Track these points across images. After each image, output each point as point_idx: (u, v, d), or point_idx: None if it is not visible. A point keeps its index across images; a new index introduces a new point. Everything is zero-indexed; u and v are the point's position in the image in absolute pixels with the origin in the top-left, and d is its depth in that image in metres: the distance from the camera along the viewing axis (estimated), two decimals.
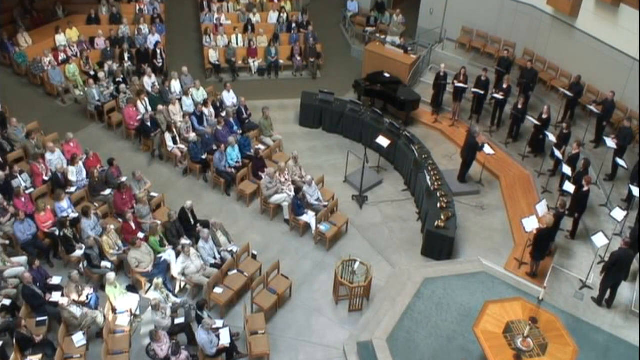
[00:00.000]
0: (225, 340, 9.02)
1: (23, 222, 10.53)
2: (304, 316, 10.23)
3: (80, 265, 10.47)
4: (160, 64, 16.21)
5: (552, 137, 12.70)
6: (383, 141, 12.98)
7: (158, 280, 9.94)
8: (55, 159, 12.14)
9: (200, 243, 10.55)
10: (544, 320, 8.63)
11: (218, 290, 10.04)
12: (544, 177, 13.11)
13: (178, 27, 18.79)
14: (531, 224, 10.59)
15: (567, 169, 11.69)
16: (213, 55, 16.62)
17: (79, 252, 10.52)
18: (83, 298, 9.71)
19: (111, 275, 9.85)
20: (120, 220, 11.20)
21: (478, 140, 12.65)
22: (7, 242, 10.64)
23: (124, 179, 11.92)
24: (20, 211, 10.60)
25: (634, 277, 10.76)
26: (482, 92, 14.30)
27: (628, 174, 12.38)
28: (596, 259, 10.87)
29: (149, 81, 14.74)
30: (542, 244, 10.49)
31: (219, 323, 9.35)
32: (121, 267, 10.66)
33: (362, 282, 10.08)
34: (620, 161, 12.09)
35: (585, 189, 11.06)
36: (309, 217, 11.65)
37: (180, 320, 9.59)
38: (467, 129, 13.73)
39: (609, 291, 10.23)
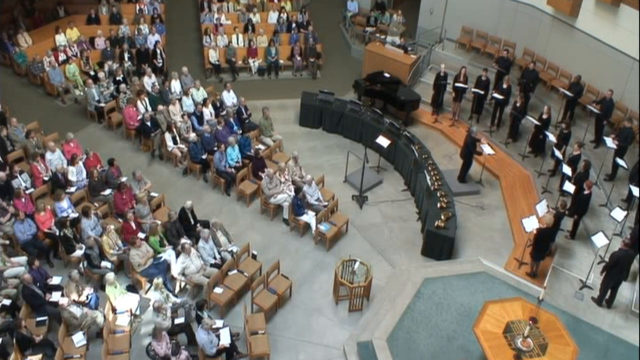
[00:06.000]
0: (225, 340, 9.02)
1: (23, 222, 10.53)
2: (304, 316, 10.23)
3: (80, 265, 10.47)
4: (160, 64, 16.21)
5: (552, 137, 12.70)
6: (383, 141, 12.98)
7: (158, 280, 9.94)
8: (55, 158, 12.14)
9: (200, 243, 10.56)
10: (544, 320, 8.63)
11: (218, 290, 10.04)
12: (544, 177, 13.11)
13: (178, 27, 18.79)
14: (531, 224, 10.59)
15: (567, 169, 11.68)
16: (213, 55, 16.63)
17: (79, 252, 10.52)
18: (83, 298, 9.72)
19: (110, 275, 9.85)
20: (120, 220, 11.20)
21: (476, 137, 12.63)
22: (7, 242, 10.65)
23: (124, 179, 11.93)
24: (20, 211, 10.60)
25: (634, 277, 10.76)
26: (482, 92, 14.31)
27: (628, 174, 12.37)
28: (596, 259, 10.87)
29: (149, 81, 14.75)
30: (542, 244, 10.49)
31: (219, 323, 9.35)
32: (121, 267, 10.67)
33: (362, 282, 10.08)
34: (620, 161, 12.09)
35: (587, 192, 11.05)
36: (309, 217, 11.65)
37: (180, 320, 9.59)
38: (467, 129, 13.72)
39: (609, 291, 10.23)
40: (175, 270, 10.31)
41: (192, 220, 11.25)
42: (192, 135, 13.34)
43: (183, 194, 12.42)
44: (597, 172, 12.85)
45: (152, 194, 12.05)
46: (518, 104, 13.58)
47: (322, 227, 11.48)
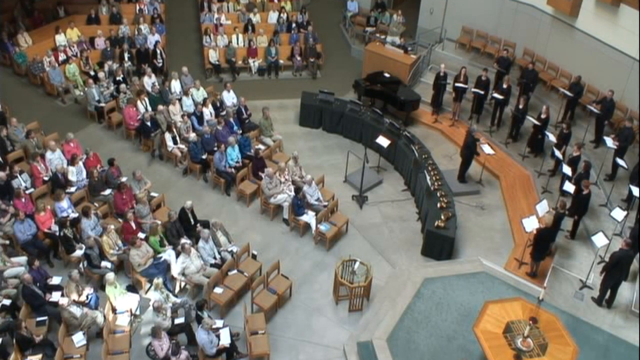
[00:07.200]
0: (225, 340, 9.02)
1: (23, 222, 10.53)
2: (304, 316, 10.23)
3: (80, 265, 10.47)
4: (160, 64, 16.21)
5: (552, 137, 12.70)
6: (383, 141, 12.98)
7: (158, 280, 9.94)
8: (55, 158, 12.15)
9: (200, 243, 10.56)
10: (544, 320, 8.63)
11: (218, 290, 10.04)
12: (544, 177, 13.11)
13: (178, 27, 18.80)
14: (531, 224, 10.59)
15: (567, 169, 11.68)
16: (213, 55, 16.63)
17: (79, 252, 10.52)
18: (83, 298, 9.72)
19: (110, 276, 9.85)
20: (120, 220, 11.21)
21: (476, 136, 12.63)
22: (7, 242, 10.65)
23: (124, 179, 11.93)
24: (20, 211, 10.60)
25: (634, 277, 10.76)
26: (482, 92, 14.30)
27: (628, 174, 12.38)
28: (596, 259, 10.87)
29: (149, 81, 14.75)
30: (542, 244, 10.49)
31: (219, 323, 9.35)
32: (121, 267, 10.67)
33: (362, 282, 10.08)
34: (620, 161, 12.09)
35: (585, 192, 11.06)
36: (309, 217, 11.65)
37: (180, 320, 9.60)
38: (467, 129, 13.73)
39: (609, 291, 10.24)
40: (175, 270, 10.31)
41: (192, 220, 11.25)
42: (192, 135, 13.34)
43: (183, 194, 12.42)
44: (597, 172, 12.85)
45: (152, 194, 12.05)
46: (521, 106, 13.55)
47: (322, 227, 11.48)
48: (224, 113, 14.26)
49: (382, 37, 17.60)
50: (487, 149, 12.83)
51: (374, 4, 19.39)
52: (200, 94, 14.67)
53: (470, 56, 16.99)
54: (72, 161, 12.05)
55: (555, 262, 11.09)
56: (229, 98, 14.78)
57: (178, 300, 10.00)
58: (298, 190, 11.87)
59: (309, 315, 10.25)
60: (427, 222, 11.42)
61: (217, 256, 10.70)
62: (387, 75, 15.53)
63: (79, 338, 9.07)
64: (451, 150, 14.31)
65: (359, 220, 12.27)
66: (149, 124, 13.33)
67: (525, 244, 11.08)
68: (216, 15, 17.74)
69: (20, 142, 12.75)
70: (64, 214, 11.05)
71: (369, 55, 16.28)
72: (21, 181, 11.65)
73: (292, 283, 10.45)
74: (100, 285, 10.21)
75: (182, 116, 13.71)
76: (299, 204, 11.65)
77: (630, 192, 11.68)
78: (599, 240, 10.27)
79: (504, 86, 14.25)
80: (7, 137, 12.63)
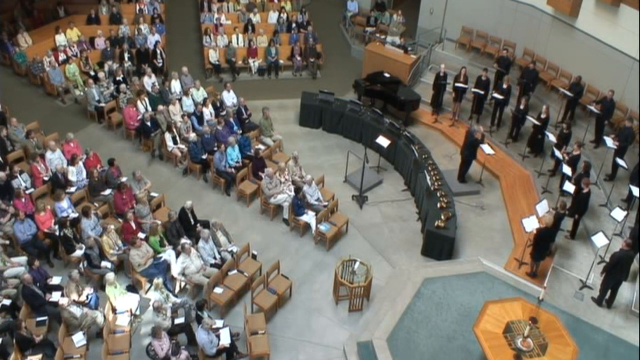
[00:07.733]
0: (225, 340, 9.02)
1: (23, 222, 10.53)
2: (304, 316, 10.23)
3: (80, 265, 10.47)
4: (160, 64, 16.21)
5: (552, 137, 12.71)
6: (383, 141, 12.98)
7: (158, 280, 9.94)
8: (55, 158, 12.15)
9: (200, 243, 10.56)
10: (544, 320, 8.63)
11: (218, 290, 10.04)
12: (544, 177, 13.11)
13: (178, 27, 18.80)
14: (531, 224, 10.59)
15: (567, 169, 11.68)
16: (213, 55, 16.63)
17: (79, 252, 10.52)
18: (83, 298, 9.72)
19: (110, 275, 9.85)
20: (120, 220, 11.21)
21: (477, 136, 12.63)
22: (7, 242, 10.65)
23: (124, 179, 11.93)
24: (20, 211, 10.60)
25: (634, 277, 10.76)
26: (482, 92, 14.30)
27: (628, 174, 12.38)
28: (596, 259, 10.87)
29: (149, 81, 14.75)
30: (542, 244, 10.49)
31: (219, 323, 9.36)
32: (121, 267, 10.67)
33: (362, 282, 10.08)
34: (620, 161, 12.09)
35: (585, 190, 11.06)
36: (309, 217, 11.65)
37: (180, 320, 9.60)
38: (467, 129, 13.74)
39: (609, 291, 10.24)
40: (175, 270, 10.31)
41: (192, 221, 11.25)
42: (192, 135, 13.35)
43: (183, 194, 12.42)
44: (597, 172, 12.85)
45: (152, 194, 12.05)
46: (522, 107, 13.55)
47: (322, 227, 11.48)
48: (224, 113, 14.27)
49: (382, 37, 17.61)
50: (487, 149, 12.83)
51: (374, 4, 19.39)
52: (200, 94, 14.67)
53: (470, 56, 16.99)
54: (72, 161, 12.05)
55: (555, 262, 11.09)
56: (229, 98, 14.78)
57: (178, 300, 10.00)
58: (298, 190, 11.87)
59: (309, 315, 10.25)
60: (427, 222, 11.42)
61: (217, 256, 10.70)
62: (387, 75, 15.53)
63: (79, 338, 9.07)
64: (451, 150, 14.31)
65: (359, 220, 12.27)
66: (149, 124, 13.33)
67: (525, 244, 11.08)
68: (216, 15, 17.74)
69: (20, 142, 12.75)
70: (64, 214, 11.05)
71: (369, 55, 16.28)
72: (21, 181, 11.65)
73: (292, 283, 10.45)
74: (100, 285, 10.21)
75: (182, 116, 13.72)
76: (299, 204, 11.65)
77: (630, 192, 11.68)
78: (599, 240, 10.27)
79: (504, 86, 14.25)
80: (7, 137, 12.63)
